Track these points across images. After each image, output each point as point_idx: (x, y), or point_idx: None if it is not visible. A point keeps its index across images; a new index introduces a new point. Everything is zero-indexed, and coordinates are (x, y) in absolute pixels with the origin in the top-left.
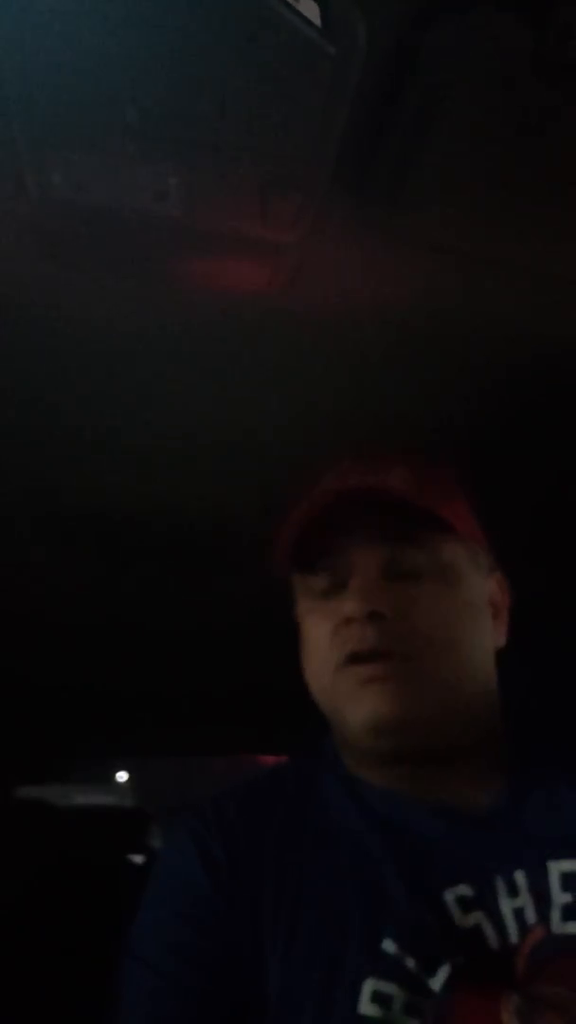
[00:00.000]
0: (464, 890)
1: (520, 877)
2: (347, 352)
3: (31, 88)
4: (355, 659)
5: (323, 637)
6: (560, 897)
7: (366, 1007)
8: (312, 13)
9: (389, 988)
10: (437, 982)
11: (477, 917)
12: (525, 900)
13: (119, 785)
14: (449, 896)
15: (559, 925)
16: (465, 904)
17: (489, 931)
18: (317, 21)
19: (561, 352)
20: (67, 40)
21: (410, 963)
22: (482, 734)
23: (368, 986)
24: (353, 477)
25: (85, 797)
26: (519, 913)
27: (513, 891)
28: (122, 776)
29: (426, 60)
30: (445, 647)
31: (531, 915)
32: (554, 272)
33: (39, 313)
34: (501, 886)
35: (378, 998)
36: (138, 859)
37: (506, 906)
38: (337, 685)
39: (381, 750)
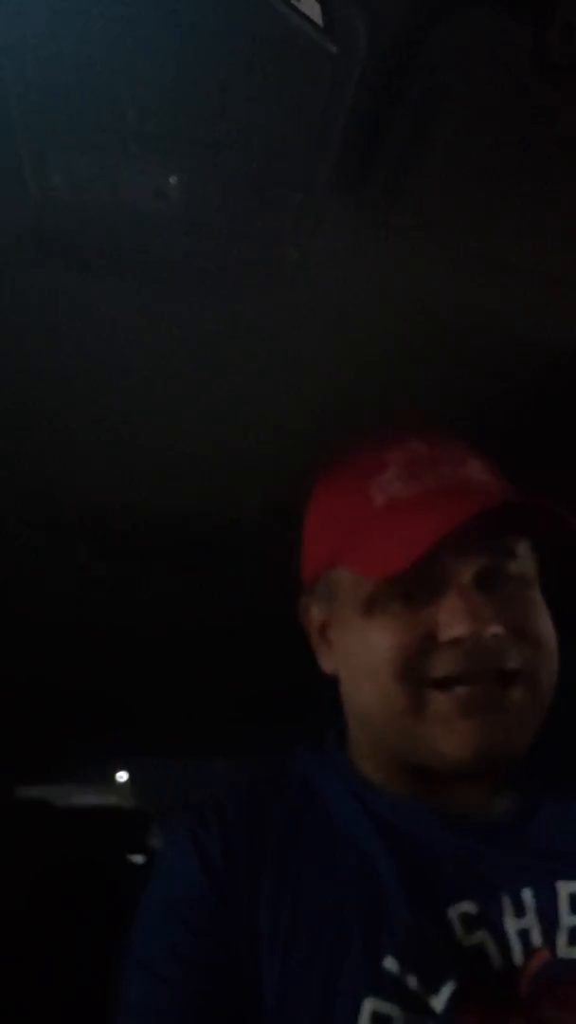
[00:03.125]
0: (468, 907)
1: (527, 896)
2: (347, 352)
3: (31, 88)
4: (456, 681)
5: (402, 648)
6: (568, 920)
7: None
8: (313, 12)
9: (389, 1008)
10: (439, 1002)
11: (481, 936)
12: (531, 921)
13: (119, 785)
14: (453, 913)
15: (565, 949)
16: (469, 922)
17: (493, 951)
18: (318, 20)
19: (561, 352)
20: (67, 40)
21: (412, 982)
22: None
23: (368, 1005)
24: (437, 467)
25: (85, 797)
26: (524, 934)
27: (520, 910)
28: (122, 776)
29: (426, 60)
30: (549, 660)
31: (536, 937)
32: (554, 272)
33: (39, 313)
34: (507, 904)
35: (377, 1018)
36: (138, 859)
37: (511, 926)
38: (423, 705)
39: (458, 773)
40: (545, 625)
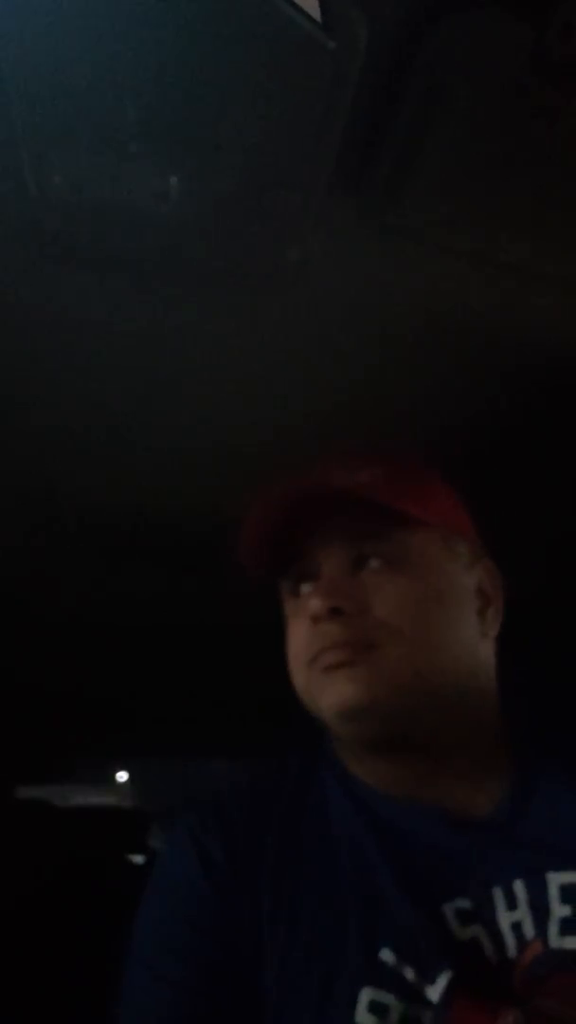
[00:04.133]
0: (462, 903)
1: (519, 888)
2: (347, 352)
3: (31, 88)
4: (325, 651)
5: (299, 636)
6: (559, 910)
7: (363, 1016)
8: (312, 10)
9: (386, 998)
10: (435, 993)
11: (475, 930)
12: (523, 913)
13: (119, 785)
14: (447, 908)
15: (557, 940)
16: (463, 917)
17: (487, 945)
18: (317, 17)
19: (561, 352)
20: (67, 40)
21: (408, 973)
22: (472, 730)
23: (365, 995)
24: (319, 477)
25: (85, 797)
26: (517, 927)
27: (512, 903)
28: (122, 776)
29: (426, 60)
30: (410, 635)
31: (529, 929)
32: (554, 272)
33: (39, 313)
34: (499, 898)
35: (375, 1008)
36: (138, 859)
37: (504, 920)
38: (310, 679)
39: (354, 736)
40: (412, 607)
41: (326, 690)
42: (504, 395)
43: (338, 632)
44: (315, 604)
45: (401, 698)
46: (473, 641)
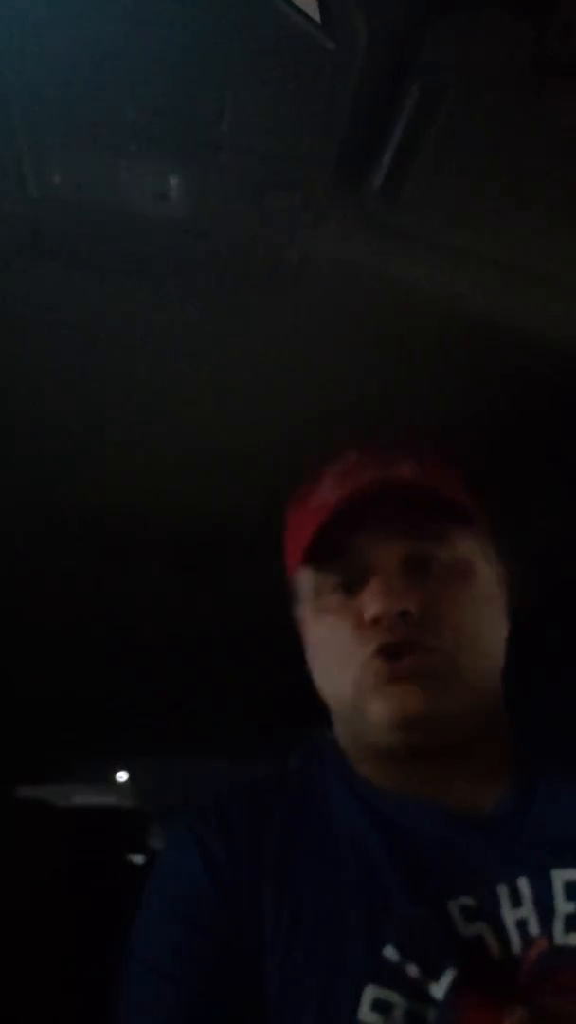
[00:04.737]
0: (467, 900)
1: (523, 885)
2: (347, 352)
3: (32, 88)
4: (383, 654)
5: (342, 635)
6: (563, 907)
7: (366, 1014)
8: (312, 10)
9: (390, 996)
10: (439, 991)
11: (480, 927)
12: (528, 910)
13: (119, 785)
14: (452, 905)
15: (562, 937)
16: (468, 914)
17: (491, 942)
18: (317, 18)
19: (561, 352)
20: (67, 40)
21: (412, 971)
22: (485, 731)
23: (368, 993)
24: (365, 470)
25: (85, 797)
26: (522, 924)
27: (516, 900)
28: (122, 776)
29: (426, 60)
30: (469, 642)
31: (534, 926)
32: (554, 272)
33: (39, 313)
34: (504, 895)
35: (378, 1005)
36: (138, 859)
37: (509, 917)
38: (360, 681)
39: (403, 746)
40: (467, 610)
41: (383, 699)
42: (504, 395)
43: (405, 635)
44: (380, 606)
45: (456, 708)
46: (503, 643)
